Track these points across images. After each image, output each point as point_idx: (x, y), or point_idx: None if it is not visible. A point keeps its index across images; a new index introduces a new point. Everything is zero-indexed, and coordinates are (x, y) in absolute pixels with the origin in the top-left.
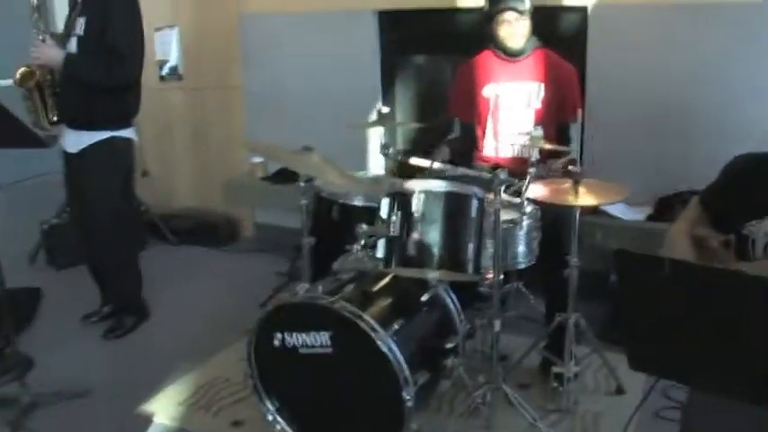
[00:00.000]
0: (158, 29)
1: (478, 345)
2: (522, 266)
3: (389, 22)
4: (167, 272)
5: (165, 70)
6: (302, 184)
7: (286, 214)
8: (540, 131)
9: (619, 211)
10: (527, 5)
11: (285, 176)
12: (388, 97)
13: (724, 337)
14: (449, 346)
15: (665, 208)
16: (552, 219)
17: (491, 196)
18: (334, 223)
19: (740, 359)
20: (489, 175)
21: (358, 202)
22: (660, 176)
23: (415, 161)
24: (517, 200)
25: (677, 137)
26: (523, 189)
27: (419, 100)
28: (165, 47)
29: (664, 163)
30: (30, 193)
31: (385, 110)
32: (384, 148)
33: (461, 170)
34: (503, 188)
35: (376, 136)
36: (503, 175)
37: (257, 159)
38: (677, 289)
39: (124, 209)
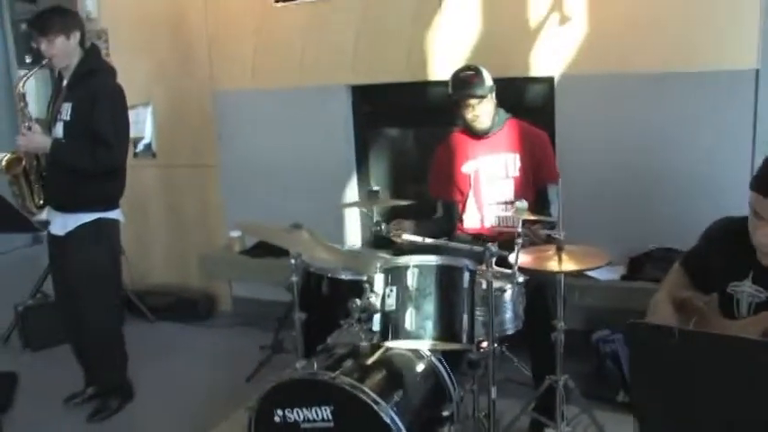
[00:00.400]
0: (132, 106)
1: (468, 410)
2: (510, 332)
3: (362, 96)
4: (147, 350)
5: (139, 147)
6: (293, 261)
7: (264, 287)
8: (524, 203)
9: (595, 272)
10: (486, 88)
11: (263, 250)
12: (362, 170)
13: (732, 399)
14: (445, 413)
15: (638, 267)
16: (536, 285)
17: (482, 267)
18: (324, 298)
19: (744, 415)
20: (480, 248)
21: (345, 276)
22: (630, 237)
23: (408, 237)
24: (507, 270)
25: (644, 199)
26: (515, 259)
27: (393, 171)
28: (139, 124)
29: (633, 224)
30: None
31: (375, 188)
32: (377, 224)
33: (453, 244)
34: (494, 260)
35: (353, 210)
36: (494, 248)
37: (235, 234)
38: (686, 356)
39: (112, 290)
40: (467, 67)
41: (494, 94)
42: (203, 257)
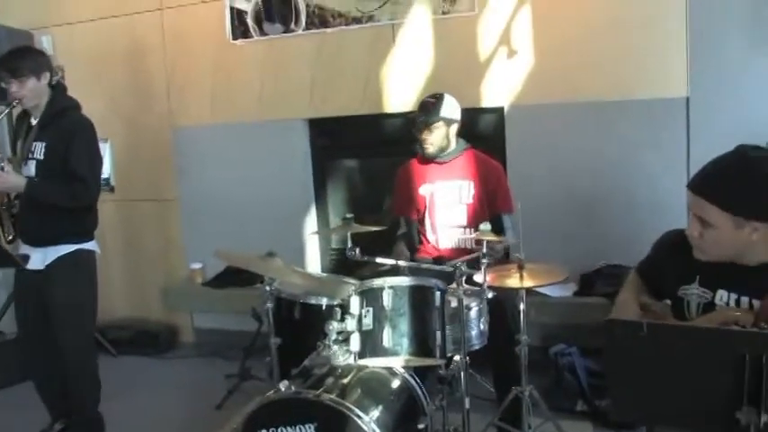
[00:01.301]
0: None
1: (438, 424)
2: (477, 347)
3: (319, 129)
4: (112, 384)
5: None
6: (267, 288)
7: (226, 318)
8: (488, 225)
9: (548, 289)
10: (438, 117)
11: (225, 281)
12: (320, 201)
13: (692, 379)
14: (420, 426)
15: (589, 283)
16: (497, 302)
17: (453, 286)
18: (295, 323)
19: (705, 396)
20: (450, 269)
21: (316, 300)
22: (580, 255)
23: (380, 260)
24: (475, 288)
25: (592, 219)
26: (483, 277)
27: (351, 201)
28: None
29: (582, 243)
30: None
31: (349, 216)
32: (350, 250)
33: (425, 265)
34: (464, 279)
35: (313, 239)
36: (464, 267)
37: (196, 265)
38: (653, 345)
39: (92, 319)
40: (432, 95)
41: (452, 126)
42: (165, 290)
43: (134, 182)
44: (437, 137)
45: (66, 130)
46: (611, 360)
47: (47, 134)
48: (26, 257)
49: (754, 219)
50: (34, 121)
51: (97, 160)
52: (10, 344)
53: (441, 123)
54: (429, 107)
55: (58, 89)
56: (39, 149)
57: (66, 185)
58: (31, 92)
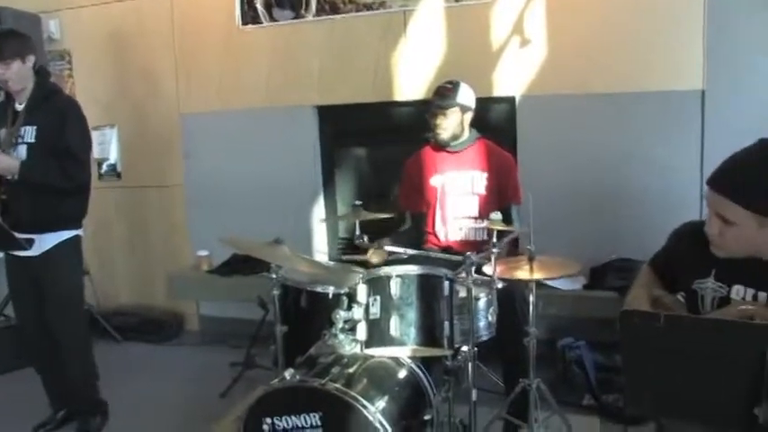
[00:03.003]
0: (96, 127)
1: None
2: (485, 339)
3: (328, 116)
4: (117, 370)
5: (104, 169)
6: (274, 275)
7: (232, 306)
8: (499, 215)
9: (558, 282)
10: (454, 102)
11: (231, 269)
12: (328, 189)
13: (708, 373)
14: (426, 418)
15: (598, 277)
16: (506, 294)
17: (462, 275)
18: (301, 311)
19: (721, 391)
20: (459, 258)
21: (323, 289)
22: (591, 248)
23: (389, 248)
24: (485, 278)
25: (603, 212)
26: (493, 268)
27: (359, 189)
28: (105, 146)
29: (593, 236)
30: None
31: (358, 203)
32: (359, 237)
33: (433, 254)
34: (473, 269)
35: (320, 227)
36: (474, 257)
37: (203, 253)
38: (670, 337)
39: (83, 305)
40: (449, 81)
41: (466, 113)
42: (171, 277)
43: (141, 168)
44: (451, 122)
45: (58, 110)
46: (626, 351)
47: (36, 118)
48: (31, 241)
49: (764, 213)
50: (19, 107)
51: (88, 141)
52: (15, 329)
53: (456, 109)
54: (445, 92)
55: (41, 74)
56: (29, 133)
57: (60, 164)
58: (17, 74)
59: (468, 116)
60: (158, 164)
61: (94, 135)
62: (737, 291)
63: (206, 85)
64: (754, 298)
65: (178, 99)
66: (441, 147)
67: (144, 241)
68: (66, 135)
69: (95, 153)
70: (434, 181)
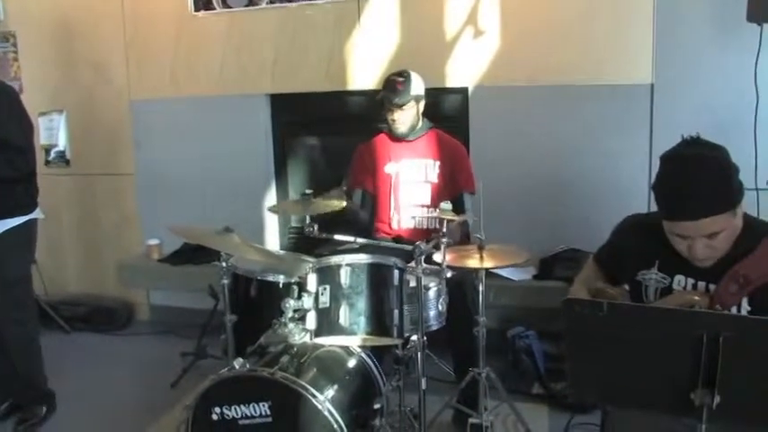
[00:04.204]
0: (43, 113)
1: (394, 405)
2: (434, 328)
3: (281, 105)
4: (66, 361)
5: (52, 155)
6: (224, 264)
7: (183, 295)
8: (449, 204)
9: (508, 272)
10: (409, 97)
11: (182, 258)
12: (281, 178)
13: (650, 360)
14: (376, 407)
15: (548, 267)
16: (456, 283)
17: (412, 265)
18: (251, 300)
19: (662, 377)
20: (409, 247)
21: (274, 278)
22: (540, 239)
23: (338, 237)
24: (435, 267)
25: (553, 203)
26: (442, 257)
27: (312, 180)
28: (53, 132)
29: (542, 227)
30: None
31: (308, 192)
32: (309, 226)
33: (383, 243)
34: (423, 258)
35: (272, 217)
36: (423, 246)
37: (153, 242)
38: (612, 325)
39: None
40: (399, 73)
41: (420, 102)
42: (121, 266)
43: (90, 155)
44: (408, 116)
45: None
46: (569, 340)
47: None
48: None
49: (738, 202)
50: None
51: (29, 125)
52: None
53: (412, 102)
54: (399, 86)
55: None
56: None
57: (4, 157)
58: None
59: (422, 105)
60: (108, 151)
61: (41, 121)
62: (679, 281)
63: (157, 71)
64: (694, 287)
65: (129, 85)
66: (395, 136)
67: (94, 229)
68: (3, 126)
69: (42, 139)
70: (389, 168)
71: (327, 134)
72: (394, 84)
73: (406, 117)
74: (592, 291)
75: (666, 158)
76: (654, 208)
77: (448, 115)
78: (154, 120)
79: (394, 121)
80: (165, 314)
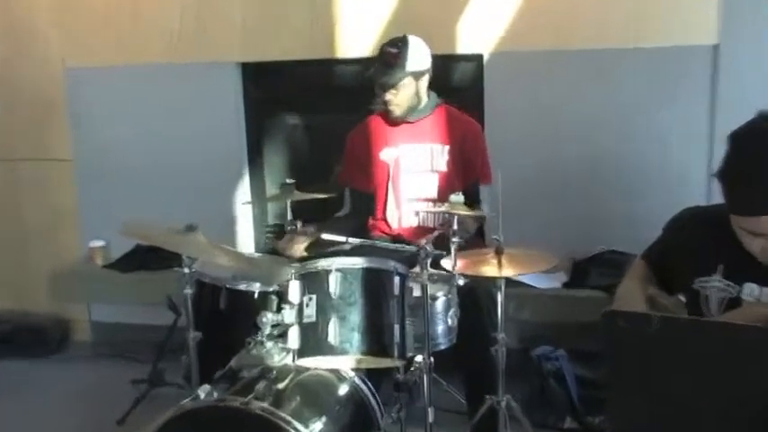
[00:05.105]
0: None
1: None
2: (443, 347)
3: (255, 75)
4: None
5: None
6: (186, 270)
7: (134, 309)
8: (460, 197)
9: (531, 279)
10: (404, 73)
11: (134, 263)
12: (255, 165)
13: (714, 387)
14: None
15: (582, 273)
16: (468, 292)
17: (416, 270)
18: (220, 314)
19: (732, 410)
20: (413, 249)
21: (247, 286)
22: (573, 238)
23: (327, 237)
24: (443, 273)
25: (588, 194)
26: (452, 260)
27: (293, 166)
28: None
29: (575, 223)
30: None
31: (289, 181)
32: (290, 223)
33: (380, 243)
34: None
35: (245, 211)
36: (429, 247)
37: (97, 243)
38: (665, 344)
39: None
40: (394, 42)
41: (421, 79)
42: (54, 274)
43: (14, 137)
44: (404, 96)
45: None
46: (610, 362)
47: None
48: None
49: None
50: None
51: None
52: None
53: (408, 79)
54: (391, 60)
55: None
56: None
57: None
58: None
59: (425, 80)
60: (38, 132)
61: None
62: (751, 290)
63: (98, 33)
64: None
65: (61, 50)
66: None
67: (20, 228)
68: None
69: None
70: (385, 155)
71: (311, 111)
72: (386, 56)
73: (401, 98)
74: (646, 295)
75: (736, 138)
76: (715, 199)
77: (459, 87)
78: (95, 93)
79: (387, 102)
80: (110, 333)
